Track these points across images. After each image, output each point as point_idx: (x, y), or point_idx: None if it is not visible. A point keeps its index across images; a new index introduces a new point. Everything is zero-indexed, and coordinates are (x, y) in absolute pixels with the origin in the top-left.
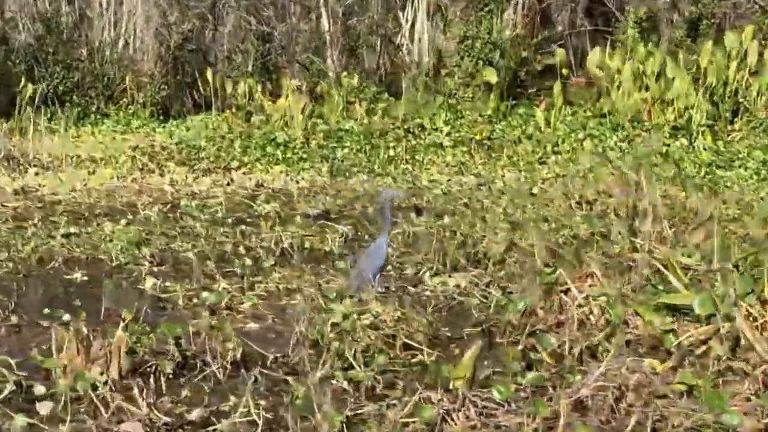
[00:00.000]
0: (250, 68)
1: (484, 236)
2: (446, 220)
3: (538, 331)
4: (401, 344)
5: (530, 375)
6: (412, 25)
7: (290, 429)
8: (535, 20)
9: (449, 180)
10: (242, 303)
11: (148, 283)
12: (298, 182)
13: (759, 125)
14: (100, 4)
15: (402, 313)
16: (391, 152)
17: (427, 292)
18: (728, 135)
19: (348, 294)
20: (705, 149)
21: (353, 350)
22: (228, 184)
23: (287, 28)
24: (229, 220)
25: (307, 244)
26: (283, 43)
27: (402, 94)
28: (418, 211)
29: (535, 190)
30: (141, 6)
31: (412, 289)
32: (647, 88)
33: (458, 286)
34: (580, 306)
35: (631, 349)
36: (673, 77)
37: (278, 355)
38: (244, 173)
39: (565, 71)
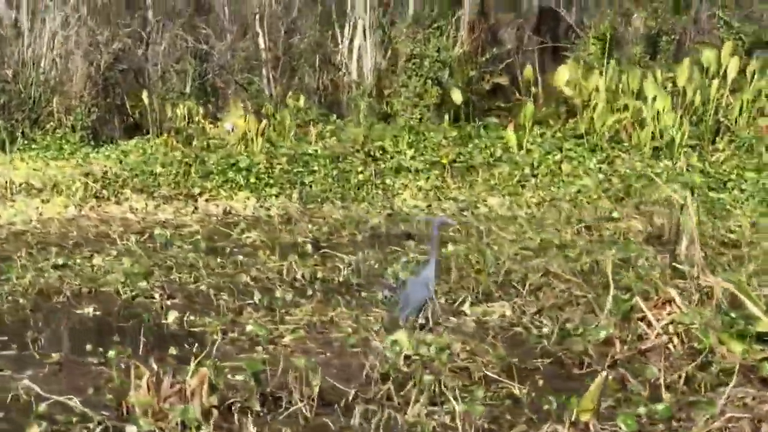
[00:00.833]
0: (188, 89)
1: (500, 262)
2: (450, 247)
3: (618, 361)
4: (480, 377)
5: (659, 406)
6: (352, 42)
7: None
8: (481, 38)
9: (429, 205)
10: (282, 336)
11: (171, 317)
12: (269, 209)
13: (742, 145)
14: (16, 22)
15: (473, 344)
16: (360, 177)
17: (472, 323)
18: (711, 155)
19: (400, 325)
20: (688, 170)
21: (441, 384)
22: (193, 212)
23: (226, 47)
24: (227, 250)
25: (319, 274)
26: (221, 62)
27: (344, 116)
28: (410, 238)
29: (522, 214)
30: (68, 24)
31: (453, 319)
32: (626, 107)
33: (503, 315)
34: (658, 335)
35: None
36: (654, 96)
37: (356, 389)
38: (207, 200)
39: (534, 90)
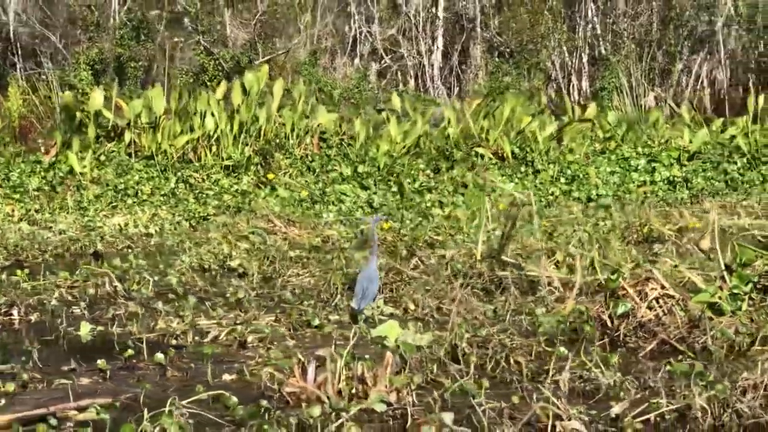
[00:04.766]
0: None
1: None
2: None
3: (622, 334)
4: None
5: None
6: None
7: None
8: None
9: (49, 227)
10: (242, 339)
11: (84, 329)
12: None
13: (297, 160)
14: None
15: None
16: None
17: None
18: (277, 173)
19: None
20: (259, 186)
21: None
22: None
23: None
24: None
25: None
26: None
27: None
28: (96, 256)
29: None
30: None
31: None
32: (191, 129)
33: (407, 310)
34: (646, 310)
35: None
36: (218, 116)
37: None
38: None
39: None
